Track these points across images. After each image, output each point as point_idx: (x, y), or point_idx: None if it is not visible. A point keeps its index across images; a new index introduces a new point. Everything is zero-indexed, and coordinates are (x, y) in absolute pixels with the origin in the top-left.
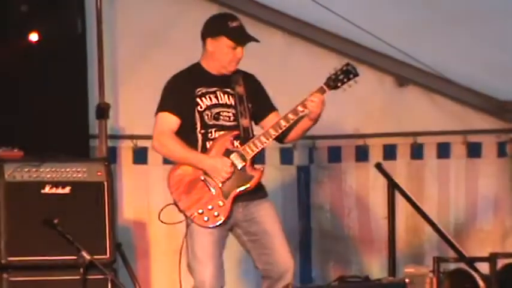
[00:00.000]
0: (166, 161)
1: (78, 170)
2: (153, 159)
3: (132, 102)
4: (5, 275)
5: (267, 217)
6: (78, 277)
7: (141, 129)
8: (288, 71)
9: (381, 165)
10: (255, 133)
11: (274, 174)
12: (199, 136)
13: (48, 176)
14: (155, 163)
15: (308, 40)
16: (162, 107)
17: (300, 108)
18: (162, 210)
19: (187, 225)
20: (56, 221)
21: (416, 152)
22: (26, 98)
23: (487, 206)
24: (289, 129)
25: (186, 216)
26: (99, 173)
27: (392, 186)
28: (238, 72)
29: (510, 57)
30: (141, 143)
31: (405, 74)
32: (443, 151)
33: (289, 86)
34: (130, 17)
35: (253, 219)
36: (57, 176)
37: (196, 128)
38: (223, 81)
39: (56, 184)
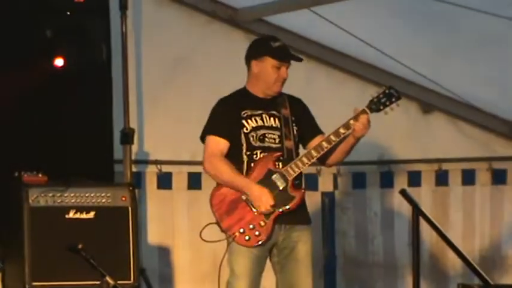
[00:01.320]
0: (190, 186)
1: (103, 195)
2: (178, 184)
3: (157, 127)
4: None
5: (303, 246)
6: None
7: (166, 154)
8: (310, 97)
9: (406, 192)
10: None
11: None
12: (245, 158)
13: (73, 201)
14: (180, 188)
15: (330, 65)
16: (210, 130)
17: (341, 130)
18: (204, 228)
19: (228, 244)
20: (80, 246)
21: (441, 179)
22: (52, 123)
23: (511, 232)
24: (331, 151)
25: (227, 236)
26: (123, 198)
27: (417, 213)
28: (284, 95)
29: None
30: (166, 168)
31: (430, 101)
32: (468, 178)
33: (311, 111)
34: (154, 42)
35: (290, 244)
36: (81, 201)
37: (242, 150)
38: (269, 104)
39: (80, 209)
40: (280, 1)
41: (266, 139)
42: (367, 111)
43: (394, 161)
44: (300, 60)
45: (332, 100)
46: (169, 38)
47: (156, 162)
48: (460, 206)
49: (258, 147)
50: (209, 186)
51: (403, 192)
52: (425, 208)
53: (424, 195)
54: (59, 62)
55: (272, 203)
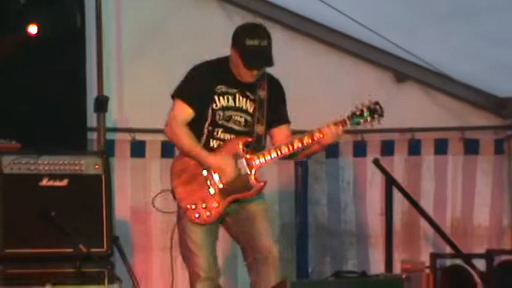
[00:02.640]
0: (164, 155)
1: (76, 162)
2: (151, 152)
3: (131, 95)
4: (1, 267)
5: (256, 205)
6: (74, 270)
7: (139, 122)
8: (286, 66)
9: (379, 161)
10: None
11: (271, 169)
12: (205, 131)
13: (46, 168)
14: (153, 156)
15: (306, 35)
16: (181, 95)
17: (317, 134)
18: (156, 196)
19: (178, 216)
20: (53, 214)
21: (414, 148)
22: (24, 90)
23: (483, 202)
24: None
25: (179, 206)
26: (96, 166)
27: (390, 182)
28: (264, 74)
29: (509, 54)
30: (139, 136)
31: (404, 70)
32: (441, 147)
33: (287, 81)
34: (129, 10)
35: (243, 208)
36: (54, 168)
37: (204, 123)
38: (246, 85)
39: (53, 177)
40: None
41: (231, 120)
42: (347, 121)
43: (367, 130)
44: (271, 65)
45: (308, 70)
46: (143, 5)
47: (129, 130)
48: (432, 176)
49: (221, 126)
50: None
51: (376, 162)
52: (398, 177)
53: (397, 164)
54: (32, 29)
55: (233, 166)
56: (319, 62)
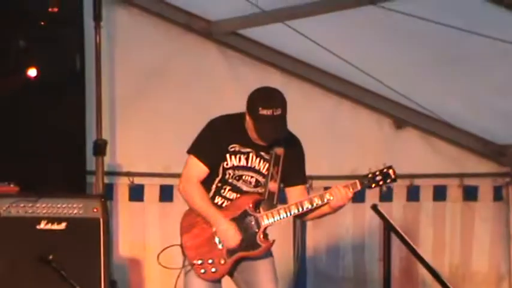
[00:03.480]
0: (162, 199)
1: (74, 206)
2: (150, 196)
3: (130, 139)
4: None
5: (263, 260)
6: None
7: (138, 166)
8: None
9: (377, 207)
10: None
11: None
12: (214, 188)
13: (44, 211)
14: (151, 200)
15: (304, 79)
16: (196, 151)
17: (327, 196)
18: (162, 251)
19: (184, 267)
20: (50, 257)
21: (413, 194)
22: (24, 133)
23: (482, 249)
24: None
25: (184, 257)
26: (95, 210)
27: (388, 228)
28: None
29: (508, 102)
30: (138, 180)
31: (403, 116)
32: (440, 194)
33: None
34: (129, 54)
35: (249, 267)
36: (53, 211)
37: (215, 179)
38: (260, 145)
39: (51, 220)
40: (254, 14)
41: (241, 180)
42: (358, 185)
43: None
44: (283, 136)
45: (306, 114)
46: (144, 49)
47: (128, 174)
48: (430, 222)
49: (230, 184)
50: (181, 199)
51: (374, 208)
52: (396, 223)
53: (395, 210)
54: (32, 72)
55: (239, 239)
56: (318, 105)
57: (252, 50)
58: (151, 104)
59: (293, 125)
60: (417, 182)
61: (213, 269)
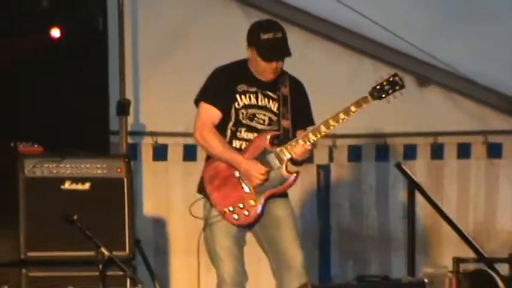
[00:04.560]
0: (186, 158)
1: (98, 166)
2: (173, 156)
3: (153, 99)
4: (23, 270)
5: (281, 209)
6: (96, 273)
7: (162, 126)
8: (305, 68)
9: (401, 165)
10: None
11: None
12: (229, 132)
13: (68, 172)
14: (175, 160)
15: (326, 38)
16: (205, 97)
17: (341, 116)
18: (194, 203)
19: (206, 222)
20: (75, 217)
21: (437, 152)
22: (47, 93)
23: (506, 206)
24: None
25: (208, 212)
26: (119, 170)
27: (413, 186)
28: (286, 74)
29: None
30: (161, 140)
31: (426, 74)
32: (464, 151)
33: (307, 84)
34: (152, 14)
35: (267, 212)
36: (77, 172)
37: (228, 124)
38: (265, 84)
39: (75, 180)
40: None
41: (255, 119)
42: (369, 98)
43: (390, 134)
44: (288, 55)
45: (328, 73)
46: (166, 9)
47: (152, 134)
48: (454, 180)
49: (245, 125)
50: (204, 158)
51: (398, 166)
52: (420, 181)
53: (419, 168)
54: (55, 32)
55: (263, 170)
56: (339, 64)
57: (272, 8)
58: (174, 64)
59: (314, 82)
60: (441, 139)
61: (246, 212)
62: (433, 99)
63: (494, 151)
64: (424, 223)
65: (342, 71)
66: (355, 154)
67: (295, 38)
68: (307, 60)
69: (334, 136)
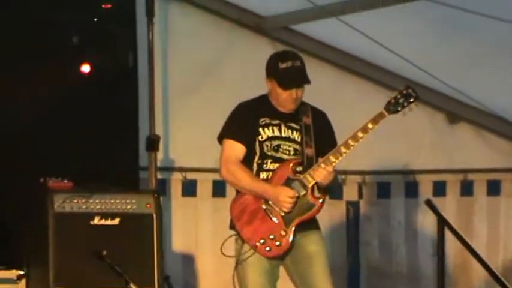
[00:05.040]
0: (215, 194)
1: (128, 201)
2: (202, 191)
3: (182, 134)
4: None
5: (313, 244)
6: None
7: (191, 161)
8: (337, 106)
9: (431, 202)
10: None
11: (323, 209)
12: (255, 166)
13: (98, 207)
14: (204, 196)
15: (358, 74)
16: (228, 134)
17: (359, 134)
18: (225, 241)
19: (238, 259)
20: (104, 253)
21: (466, 189)
22: (78, 129)
23: None
24: None
25: (240, 248)
26: (148, 205)
27: (442, 223)
28: (307, 105)
29: None
30: (191, 176)
31: (456, 111)
32: (493, 188)
33: (338, 121)
34: (181, 50)
35: (300, 246)
36: (106, 207)
37: (254, 158)
38: (288, 116)
39: (105, 215)
40: (307, 9)
41: (280, 150)
42: (385, 113)
43: (419, 170)
44: (307, 83)
45: (359, 110)
46: (196, 45)
47: (181, 170)
48: (484, 217)
49: (270, 157)
50: (234, 194)
51: (428, 203)
52: (450, 218)
53: (449, 205)
54: (85, 68)
55: (292, 194)
56: (370, 101)
57: (303, 44)
58: (203, 99)
59: (345, 120)
60: (471, 176)
61: (277, 243)
62: (463, 136)
63: None
64: (454, 261)
65: (373, 108)
66: (384, 190)
67: (326, 74)
68: (340, 97)
69: (363, 173)
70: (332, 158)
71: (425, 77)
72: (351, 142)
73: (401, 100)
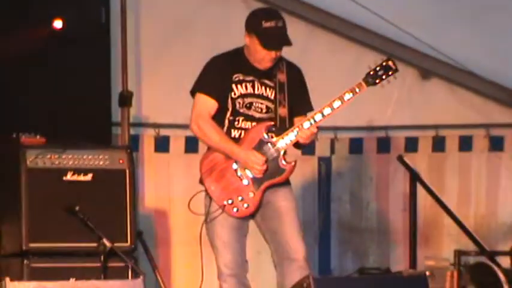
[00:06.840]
0: (188, 150)
1: (100, 157)
2: (175, 147)
3: (155, 90)
4: (25, 261)
5: (284, 200)
6: (98, 264)
7: (164, 117)
8: (308, 61)
9: (403, 157)
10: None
11: None
12: (226, 122)
13: (70, 163)
14: (177, 152)
15: (329, 30)
16: (201, 88)
17: (336, 103)
18: (193, 197)
19: (207, 213)
20: (77, 208)
21: (438, 145)
22: (50, 85)
23: (508, 200)
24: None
25: (209, 204)
26: (121, 161)
27: (414, 178)
28: (283, 59)
29: None
30: (163, 132)
31: (428, 67)
32: (465, 144)
33: (309, 76)
34: (154, 6)
35: (270, 203)
36: (79, 163)
37: (226, 114)
38: (262, 72)
39: (77, 171)
40: None
41: (252, 107)
42: (363, 84)
43: (391, 126)
44: (289, 45)
45: (330, 65)
46: (168, 1)
47: (154, 126)
48: (456, 173)
49: (242, 114)
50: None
51: (400, 158)
52: (421, 174)
53: (420, 161)
54: (57, 23)
55: (262, 160)
56: (340, 55)
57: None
58: (176, 56)
59: (316, 74)
60: (442, 132)
61: (245, 205)
62: (435, 92)
63: (496, 144)
64: (425, 215)
65: (343, 63)
66: (356, 146)
67: (297, 29)
68: (309, 52)
69: (335, 129)
70: (305, 123)
71: (398, 33)
72: (327, 111)
73: (380, 72)
